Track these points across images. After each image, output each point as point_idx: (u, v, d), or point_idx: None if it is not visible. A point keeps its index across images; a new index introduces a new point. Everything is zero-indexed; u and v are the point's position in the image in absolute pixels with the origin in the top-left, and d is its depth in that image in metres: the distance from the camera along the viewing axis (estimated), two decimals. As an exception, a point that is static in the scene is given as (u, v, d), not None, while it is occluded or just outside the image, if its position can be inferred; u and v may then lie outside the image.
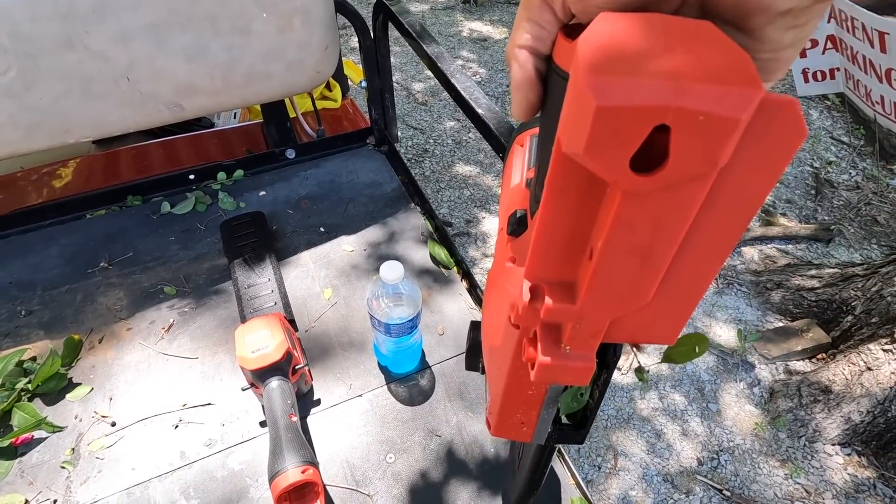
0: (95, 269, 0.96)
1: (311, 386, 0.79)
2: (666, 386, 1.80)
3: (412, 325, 0.70)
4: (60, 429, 0.74)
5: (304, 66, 0.88)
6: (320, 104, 1.46)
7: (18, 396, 0.75)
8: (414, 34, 0.81)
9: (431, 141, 2.88)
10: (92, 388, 0.79)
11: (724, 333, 1.95)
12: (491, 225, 2.35)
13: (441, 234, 1.03)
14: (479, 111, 0.66)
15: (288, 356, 0.69)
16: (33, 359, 0.82)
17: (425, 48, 0.78)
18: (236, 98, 0.87)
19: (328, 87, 1.48)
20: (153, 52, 0.76)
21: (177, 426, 0.75)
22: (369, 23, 1.03)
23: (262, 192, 1.12)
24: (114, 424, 0.75)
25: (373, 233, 1.04)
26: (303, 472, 0.57)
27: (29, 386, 0.76)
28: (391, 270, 0.64)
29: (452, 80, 0.71)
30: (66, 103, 0.76)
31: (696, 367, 1.85)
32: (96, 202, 1.08)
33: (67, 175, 1.24)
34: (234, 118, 1.45)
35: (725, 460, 1.61)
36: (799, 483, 1.54)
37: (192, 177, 1.12)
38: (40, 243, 1.00)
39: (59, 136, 0.79)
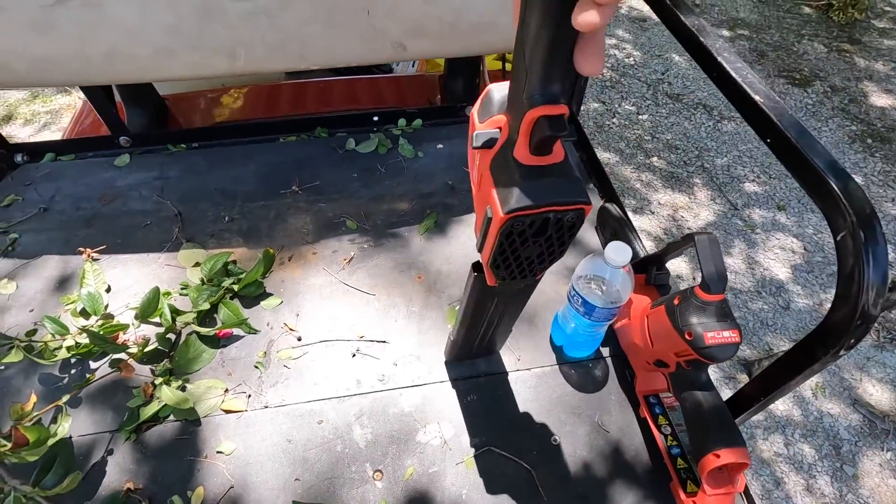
0: (287, 190, 1.02)
1: (481, 348, 0.79)
2: (795, 432, 1.63)
3: (616, 312, 0.66)
4: (256, 331, 0.80)
5: (530, 22, 0.84)
6: (496, 65, 1.42)
7: (224, 294, 0.82)
8: (669, 1, 0.73)
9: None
10: (282, 301, 0.84)
11: (876, 393, 1.71)
12: (622, 219, 2.23)
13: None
14: (756, 98, 0.58)
15: None
16: (234, 262, 0.89)
17: (683, 19, 0.70)
18: (457, 45, 0.86)
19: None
20: (398, -13, 0.76)
21: (354, 355, 0.78)
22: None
23: (440, 145, 1.12)
24: (300, 339, 0.80)
25: (547, 206, 1.00)
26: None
27: (234, 287, 0.83)
28: (619, 252, 0.60)
29: (719, 59, 0.63)
30: (309, 29, 0.79)
31: (834, 422, 1.65)
32: (288, 128, 1.15)
33: (261, 97, 1.32)
34: (412, 66, 1.46)
35: (855, 531, 1.44)
36: (945, 582, 1.34)
37: (375, 118, 1.15)
38: (241, 157, 1.08)
39: (293, 61, 0.83)
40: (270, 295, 0.85)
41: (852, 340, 0.50)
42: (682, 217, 2.25)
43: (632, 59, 3.16)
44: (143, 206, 0.99)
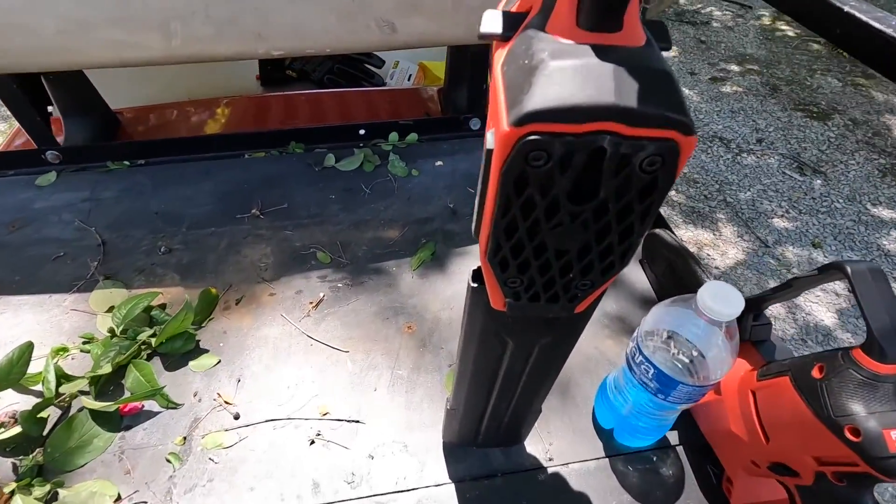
0: (245, 215, 0.81)
1: (496, 432, 0.55)
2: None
3: (706, 392, 0.43)
4: (176, 406, 0.57)
5: None
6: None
7: (138, 350, 0.60)
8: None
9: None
10: (219, 361, 0.61)
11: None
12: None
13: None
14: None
15: None
16: (162, 306, 0.67)
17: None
18: (460, 27, 0.67)
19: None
20: (384, -57, 0.58)
21: (313, 442, 0.54)
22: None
23: (439, 162, 0.92)
24: (237, 417, 0.56)
25: (575, 236, 0.79)
26: None
27: (152, 340, 0.60)
28: (722, 298, 0.38)
29: (846, 9, 0.43)
30: (270, 1, 0.60)
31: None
32: (257, 143, 0.95)
33: (232, 111, 1.13)
34: (409, 80, 1.28)
35: None
36: None
37: (362, 132, 0.95)
38: (195, 176, 0.88)
39: (250, 42, 0.64)
40: (205, 352, 0.62)
41: None
42: (709, 255, 2.03)
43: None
44: (62, 233, 0.78)
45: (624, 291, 0.70)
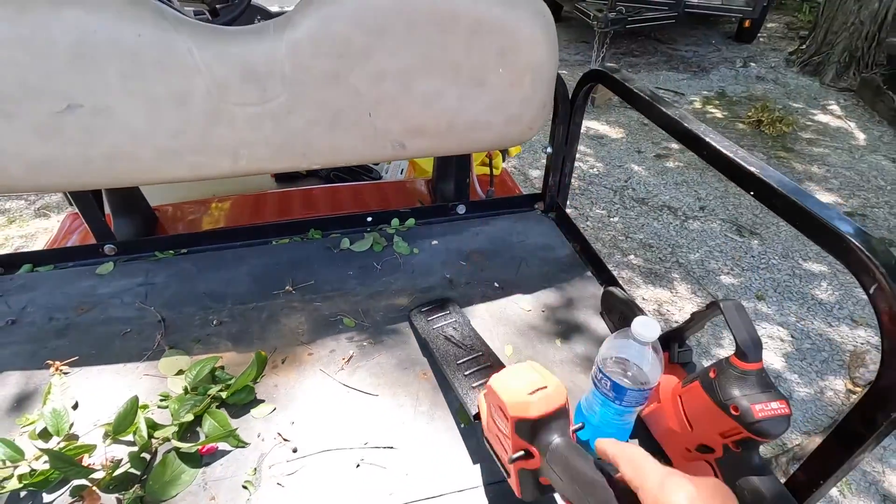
0: (280, 291, 0.98)
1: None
2: None
3: (648, 395, 0.61)
4: (245, 445, 0.71)
5: (520, 121, 0.91)
6: (480, 170, 1.50)
7: (209, 403, 0.74)
8: (647, 97, 0.81)
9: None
10: (275, 408, 0.76)
11: (903, 486, 1.60)
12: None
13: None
14: (752, 170, 0.61)
15: (566, 405, 0.52)
16: (222, 367, 0.82)
17: (664, 110, 0.76)
18: (453, 143, 0.90)
19: (488, 154, 1.54)
20: (399, 92, 0.81)
21: (358, 465, 0.69)
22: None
23: (435, 242, 1.12)
24: (295, 451, 0.70)
25: (549, 295, 0.99)
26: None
27: (222, 394, 0.75)
28: (647, 327, 0.57)
29: (707, 139, 0.68)
30: (314, 131, 0.82)
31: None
32: (281, 231, 1.14)
33: (253, 205, 1.33)
34: (401, 173, 1.52)
35: None
36: None
37: (369, 219, 1.16)
38: (232, 261, 1.06)
39: (297, 160, 0.85)
40: (262, 402, 0.77)
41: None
42: (668, 311, 2.26)
43: (595, 169, 3.42)
44: (125, 313, 0.93)
45: (589, 337, 0.89)
